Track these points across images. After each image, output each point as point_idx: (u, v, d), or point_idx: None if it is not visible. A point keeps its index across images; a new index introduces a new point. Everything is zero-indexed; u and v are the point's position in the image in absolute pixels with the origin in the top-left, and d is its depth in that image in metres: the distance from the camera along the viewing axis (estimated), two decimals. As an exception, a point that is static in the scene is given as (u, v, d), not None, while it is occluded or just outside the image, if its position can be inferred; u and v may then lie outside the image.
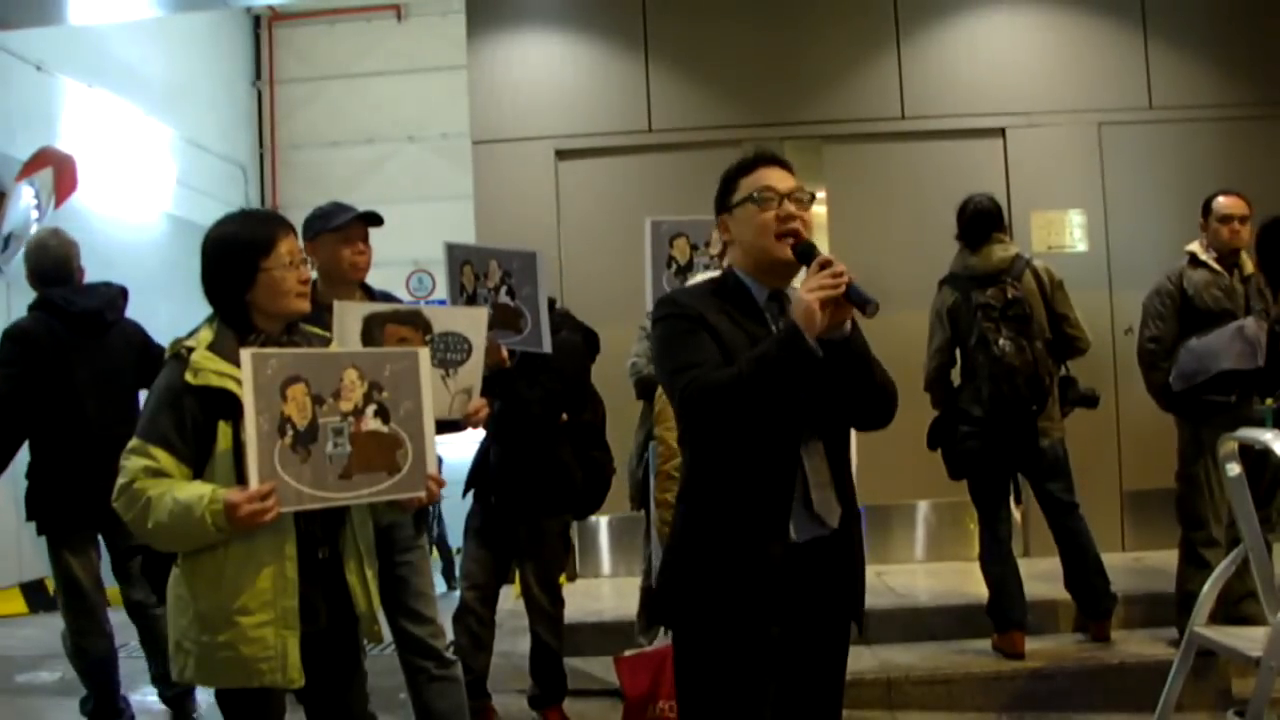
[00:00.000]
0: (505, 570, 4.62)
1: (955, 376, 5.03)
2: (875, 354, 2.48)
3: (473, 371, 3.55)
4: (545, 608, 4.50)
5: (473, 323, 3.54)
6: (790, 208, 2.47)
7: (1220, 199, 4.89)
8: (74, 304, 4.47)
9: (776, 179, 2.51)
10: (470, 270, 3.98)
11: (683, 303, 2.51)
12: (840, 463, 2.50)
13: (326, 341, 2.83)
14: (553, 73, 6.93)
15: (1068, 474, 4.95)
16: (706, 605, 2.45)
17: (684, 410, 2.43)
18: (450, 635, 3.98)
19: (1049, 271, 4.93)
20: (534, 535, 4.47)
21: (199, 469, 2.52)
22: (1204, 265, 4.87)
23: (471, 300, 3.93)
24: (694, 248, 4.23)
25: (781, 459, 2.41)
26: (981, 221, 4.93)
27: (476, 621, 4.42)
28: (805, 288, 2.31)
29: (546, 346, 3.95)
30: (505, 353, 3.87)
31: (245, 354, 2.40)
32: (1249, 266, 4.87)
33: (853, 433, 2.62)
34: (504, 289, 3.95)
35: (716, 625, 2.44)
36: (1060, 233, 6.69)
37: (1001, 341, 4.68)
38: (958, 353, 4.96)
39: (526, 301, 3.92)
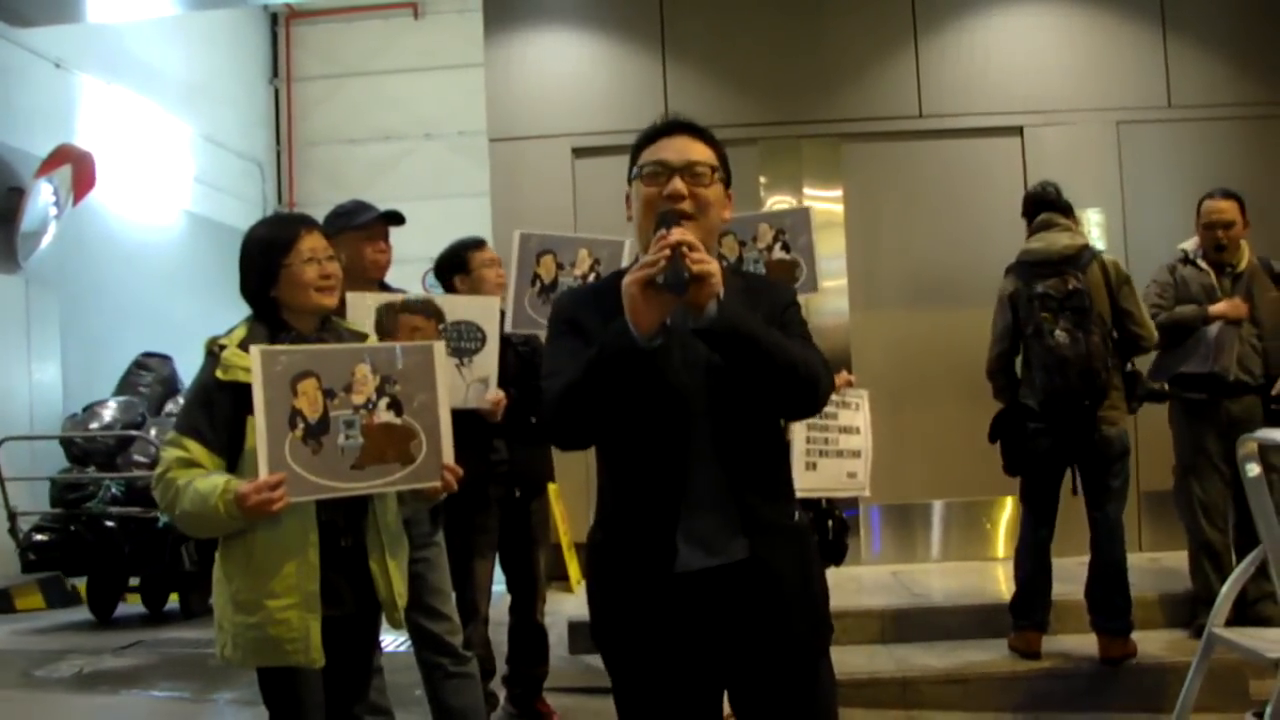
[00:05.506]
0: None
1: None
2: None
3: (487, 361, 3.54)
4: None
5: (485, 311, 3.54)
6: (679, 185, 2.07)
7: (1206, 203, 4.92)
8: None
9: (673, 151, 2.12)
10: (551, 260, 4.03)
11: (561, 304, 2.25)
12: (750, 472, 2.06)
13: (363, 337, 2.91)
14: (569, 70, 6.95)
15: (1126, 468, 4.75)
16: (603, 640, 2.15)
17: (541, 425, 2.12)
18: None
19: (1116, 266, 4.77)
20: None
21: (232, 462, 2.64)
22: (1192, 263, 4.96)
23: (548, 291, 3.96)
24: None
25: (664, 476, 2.03)
26: (1034, 203, 4.88)
27: None
28: (630, 272, 1.93)
29: None
30: None
31: (254, 350, 2.53)
32: (1243, 264, 4.90)
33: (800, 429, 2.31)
34: (593, 275, 4.04)
35: (613, 662, 2.15)
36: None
37: (1057, 332, 4.60)
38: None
39: None
